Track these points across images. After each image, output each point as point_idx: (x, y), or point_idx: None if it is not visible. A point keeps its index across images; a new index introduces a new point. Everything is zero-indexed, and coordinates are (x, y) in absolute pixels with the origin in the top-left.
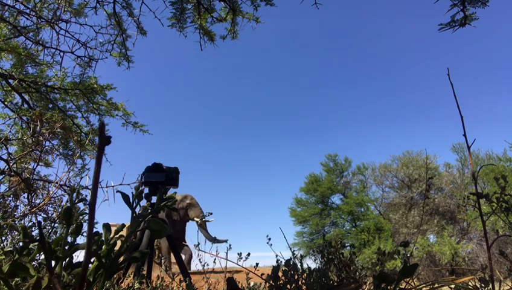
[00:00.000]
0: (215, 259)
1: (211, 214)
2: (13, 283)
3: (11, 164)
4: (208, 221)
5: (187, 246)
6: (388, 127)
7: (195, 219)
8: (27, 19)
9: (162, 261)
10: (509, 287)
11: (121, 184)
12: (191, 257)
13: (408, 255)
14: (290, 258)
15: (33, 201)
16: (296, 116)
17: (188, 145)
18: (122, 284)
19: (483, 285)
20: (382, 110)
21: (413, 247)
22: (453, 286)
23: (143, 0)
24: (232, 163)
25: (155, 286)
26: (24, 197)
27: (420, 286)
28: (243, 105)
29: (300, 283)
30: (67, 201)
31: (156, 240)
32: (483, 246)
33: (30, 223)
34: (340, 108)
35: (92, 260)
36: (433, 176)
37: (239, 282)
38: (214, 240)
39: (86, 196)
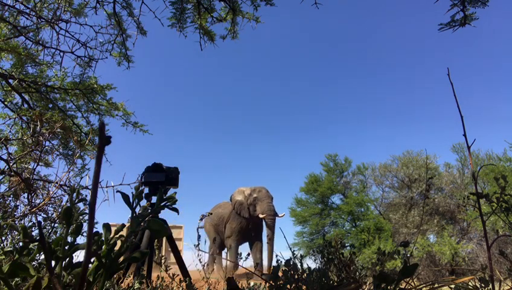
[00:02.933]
0: (215, 259)
1: (211, 214)
2: (13, 283)
3: (11, 164)
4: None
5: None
6: (388, 126)
7: (260, 215)
8: (27, 19)
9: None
10: (509, 287)
11: (121, 184)
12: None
13: (408, 255)
14: (290, 258)
15: (33, 201)
16: (296, 116)
17: (188, 145)
18: (122, 284)
19: (483, 285)
20: (382, 110)
21: (413, 247)
22: (453, 286)
23: (143, 0)
24: (232, 162)
25: (155, 286)
26: (24, 197)
27: (420, 286)
28: (242, 104)
29: (300, 283)
30: (67, 201)
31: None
32: (483, 246)
33: (30, 223)
34: (341, 108)
35: (92, 260)
36: (433, 176)
37: (239, 282)
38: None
39: (86, 196)
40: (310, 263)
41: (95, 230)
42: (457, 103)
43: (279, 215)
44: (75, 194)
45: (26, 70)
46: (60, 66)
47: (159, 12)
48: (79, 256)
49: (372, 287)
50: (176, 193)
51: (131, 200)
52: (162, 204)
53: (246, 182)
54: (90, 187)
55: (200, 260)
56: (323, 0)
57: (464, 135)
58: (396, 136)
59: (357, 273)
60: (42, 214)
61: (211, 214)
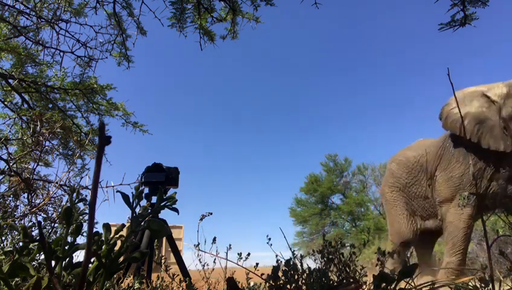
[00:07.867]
0: (215, 259)
1: (211, 214)
2: (13, 283)
3: (11, 164)
4: None
5: None
6: (388, 126)
7: None
8: (27, 18)
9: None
10: (509, 287)
11: (121, 184)
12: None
13: (408, 255)
14: (290, 258)
15: (33, 201)
16: (296, 116)
17: (188, 145)
18: (122, 284)
19: (483, 285)
20: (382, 110)
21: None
22: (453, 286)
23: (143, 0)
24: (232, 162)
25: (155, 286)
26: (24, 197)
27: (420, 286)
28: (242, 104)
29: (300, 283)
30: (67, 201)
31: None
32: (483, 246)
33: (30, 223)
34: (341, 108)
35: (92, 260)
36: None
37: (239, 282)
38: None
39: (86, 196)
40: (310, 263)
41: (95, 230)
42: (457, 103)
43: None
44: (75, 194)
45: (26, 70)
46: (60, 66)
47: (159, 13)
48: (79, 256)
49: (372, 287)
50: (176, 193)
51: (131, 200)
52: (162, 204)
53: (245, 181)
54: (90, 187)
55: (200, 260)
56: (323, 0)
57: (464, 134)
58: (396, 136)
59: (357, 274)
60: (42, 214)
61: (211, 213)
